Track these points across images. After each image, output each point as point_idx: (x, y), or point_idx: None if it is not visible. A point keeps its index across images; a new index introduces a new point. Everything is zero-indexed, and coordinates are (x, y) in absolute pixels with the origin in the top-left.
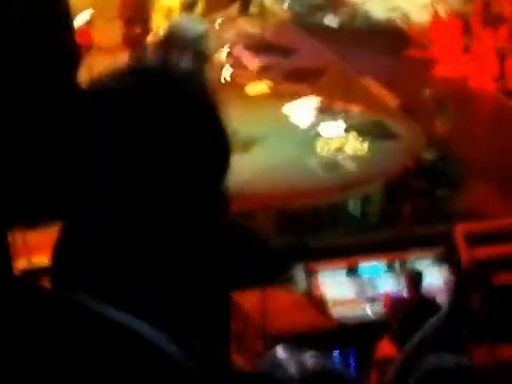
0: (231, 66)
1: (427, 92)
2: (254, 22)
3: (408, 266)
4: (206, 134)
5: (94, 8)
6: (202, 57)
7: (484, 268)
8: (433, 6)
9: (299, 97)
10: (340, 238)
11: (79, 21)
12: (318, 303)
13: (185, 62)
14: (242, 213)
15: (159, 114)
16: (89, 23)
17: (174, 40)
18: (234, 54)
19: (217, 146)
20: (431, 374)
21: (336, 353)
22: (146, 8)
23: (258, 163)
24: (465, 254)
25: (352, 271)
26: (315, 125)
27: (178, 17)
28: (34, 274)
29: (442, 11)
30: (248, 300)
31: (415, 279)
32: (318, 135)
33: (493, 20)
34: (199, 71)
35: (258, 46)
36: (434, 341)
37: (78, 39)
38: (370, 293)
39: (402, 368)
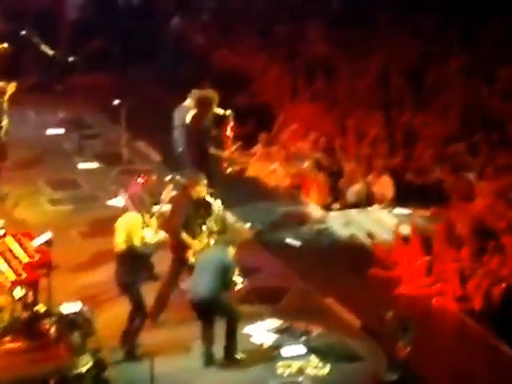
0: None
1: (390, 313)
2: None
3: None
4: None
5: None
6: None
7: None
8: (396, 225)
9: (261, 318)
10: None
11: (40, 240)
12: None
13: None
14: None
15: None
16: (49, 243)
17: None
18: None
19: None
20: None
21: None
22: None
23: None
24: None
25: None
26: (276, 346)
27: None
28: None
29: (405, 231)
30: None
31: None
32: (278, 356)
33: (455, 240)
34: None
35: None
36: None
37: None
38: None
39: None
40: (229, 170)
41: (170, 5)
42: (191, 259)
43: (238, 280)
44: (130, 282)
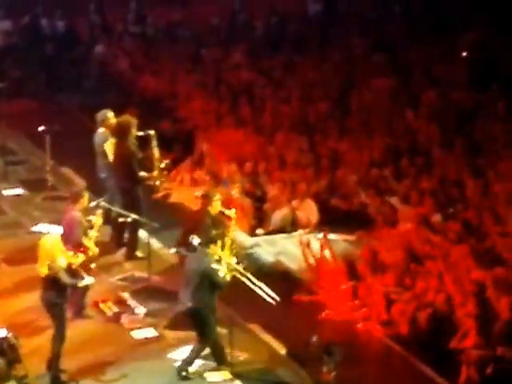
0: (119, 310)
1: (315, 338)
2: (141, 265)
3: None
4: None
5: None
6: None
7: None
8: (321, 250)
9: (187, 343)
10: None
11: None
12: None
13: None
14: None
15: None
16: None
17: None
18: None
19: None
20: None
21: None
22: None
23: None
24: None
25: None
26: (201, 372)
27: None
28: None
29: (329, 255)
30: None
31: None
32: (204, 382)
33: (380, 265)
34: None
35: (145, 291)
36: None
37: None
38: None
39: None
40: (158, 195)
41: (94, 31)
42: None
43: (227, 277)
44: (54, 303)
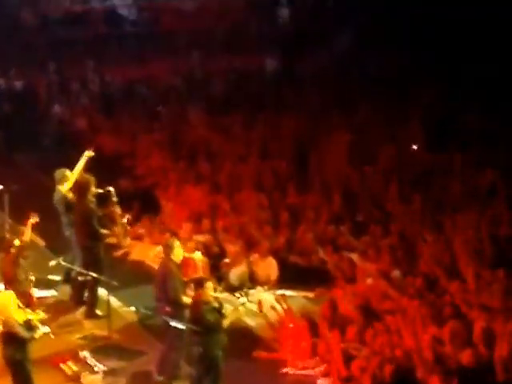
0: (79, 368)
1: None
2: (101, 324)
3: None
4: None
5: None
6: None
7: None
8: (281, 306)
9: None
10: None
11: None
12: None
13: None
14: None
15: None
16: None
17: None
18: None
19: None
20: None
21: None
22: None
23: None
24: None
25: None
26: None
27: None
28: None
29: (290, 312)
30: None
31: None
32: None
33: (339, 321)
34: None
35: (105, 349)
36: None
37: None
38: None
39: None
40: (118, 252)
41: (52, 90)
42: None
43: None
44: (14, 360)
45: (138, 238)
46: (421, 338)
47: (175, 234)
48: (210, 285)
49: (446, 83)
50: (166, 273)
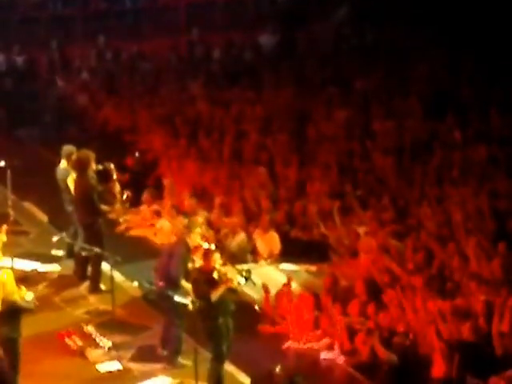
0: (84, 343)
1: (278, 367)
2: (105, 299)
3: None
4: None
5: None
6: None
7: None
8: (284, 280)
9: (152, 376)
10: None
11: None
12: None
13: None
14: None
15: None
16: None
17: None
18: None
19: None
20: None
21: None
22: None
23: None
24: None
25: None
26: None
27: None
28: None
29: (292, 286)
30: None
31: None
32: None
33: (342, 295)
34: None
35: (109, 324)
36: None
37: None
38: None
39: None
40: (120, 228)
41: (53, 66)
42: None
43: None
44: (9, 338)
45: (139, 213)
46: (421, 311)
47: (177, 209)
48: (216, 256)
49: (445, 57)
50: (175, 253)
